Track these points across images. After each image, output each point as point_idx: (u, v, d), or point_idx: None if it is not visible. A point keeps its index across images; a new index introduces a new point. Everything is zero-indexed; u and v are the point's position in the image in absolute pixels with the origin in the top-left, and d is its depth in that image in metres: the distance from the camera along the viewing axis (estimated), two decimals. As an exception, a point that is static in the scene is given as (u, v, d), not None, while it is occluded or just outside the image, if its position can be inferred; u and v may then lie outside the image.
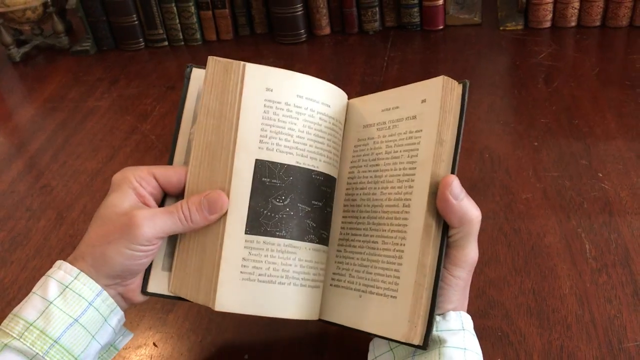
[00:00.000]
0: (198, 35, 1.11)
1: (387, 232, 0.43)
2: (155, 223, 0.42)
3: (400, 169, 0.43)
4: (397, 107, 0.45)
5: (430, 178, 0.41)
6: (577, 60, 0.92)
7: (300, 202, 0.44)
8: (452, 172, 0.41)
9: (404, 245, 0.41)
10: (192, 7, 1.08)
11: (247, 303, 0.42)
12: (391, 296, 0.41)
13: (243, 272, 0.42)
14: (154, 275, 0.46)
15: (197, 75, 0.47)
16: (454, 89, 0.42)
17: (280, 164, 0.43)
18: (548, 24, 1.01)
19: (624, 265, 0.56)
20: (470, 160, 0.72)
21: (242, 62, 0.44)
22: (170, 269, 0.46)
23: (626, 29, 0.98)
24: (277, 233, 0.43)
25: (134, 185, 0.43)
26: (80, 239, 0.43)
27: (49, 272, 0.42)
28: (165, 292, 0.46)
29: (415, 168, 0.42)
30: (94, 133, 0.88)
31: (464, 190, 0.41)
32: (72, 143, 0.86)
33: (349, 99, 0.48)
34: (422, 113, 0.43)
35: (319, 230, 0.45)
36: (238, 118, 0.43)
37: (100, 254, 0.41)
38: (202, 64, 0.47)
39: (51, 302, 0.40)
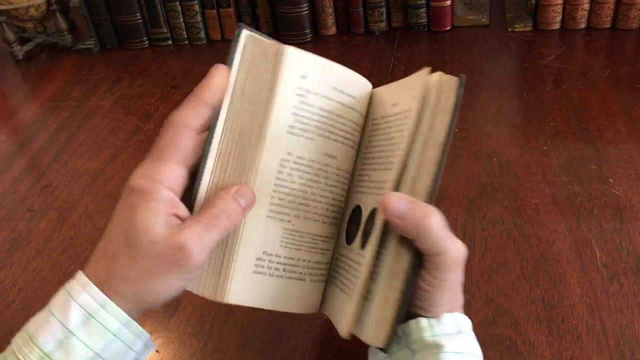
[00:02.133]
0: (202, 34, 1.10)
1: (374, 235, 0.41)
2: (203, 244, 0.37)
3: (387, 170, 0.42)
4: (396, 104, 0.43)
5: (409, 186, 0.39)
6: (587, 63, 0.90)
7: (319, 197, 0.43)
8: (436, 177, 0.39)
9: (384, 249, 0.40)
10: (197, 6, 1.07)
11: (257, 297, 0.42)
12: (366, 298, 0.40)
13: (258, 264, 0.42)
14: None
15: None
16: (448, 84, 0.39)
17: (306, 157, 0.42)
18: (557, 26, 1.00)
19: (636, 274, 0.55)
20: (478, 164, 0.71)
21: (283, 46, 0.41)
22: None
23: (637, 31, 0.97)
24: (295, 224, 0.42)
25: (167, 196, 0.38)
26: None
27: (71, 290, 0.37)
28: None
29: (395, 172, 0.40)
30: (96, 133, 0.87)
31: (407, 204, 0.38)
32: (75, 143, 0.85)
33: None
34: (410, 110, 0.41)
35: (329, 224, 0.44)
36: (272, 106, 0.40)
37: (144, 289, 0.37)
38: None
39: (72, 332, 0.36)
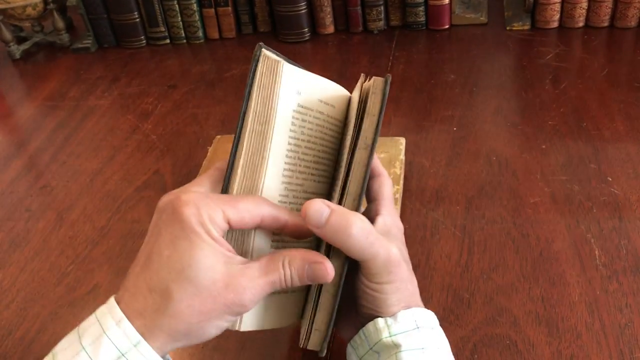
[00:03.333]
0: (200, 33, 1.10)
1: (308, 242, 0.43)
2: (257, 293, 0.36)
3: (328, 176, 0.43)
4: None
5: (338, 187, 0.40)
6: (585, 61, 0.90)
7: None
8: (364, 179, 0.39)
9: (320, 251, 0.41)
10: (195, 5, 1.07)
11: (266, 317, 0.41)
12: (306, 300, 0.41)
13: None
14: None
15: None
16: (375, 86, 0.40)
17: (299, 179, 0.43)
18: (555, 24, 1.00)
19: (635, 273, 0.55)
20: (476, 163, 0.71)
21: (280, 61, 0.40)
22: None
23: (635, 30, 0.97)
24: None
25: (215, 236, 0.36)
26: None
27: (104, 321, 0.35)
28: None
29: (337, 175, 0.41)
30: (94, 132, 0.87)
31: (326, 210, 0.37)
32: (72, 142, 0.85)
33: None
34: (350, 117, 0.43)
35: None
36: (272, 127, 0.39)
37: (197, 329, 0.36)
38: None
39: None
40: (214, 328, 0.36)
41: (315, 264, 0.38)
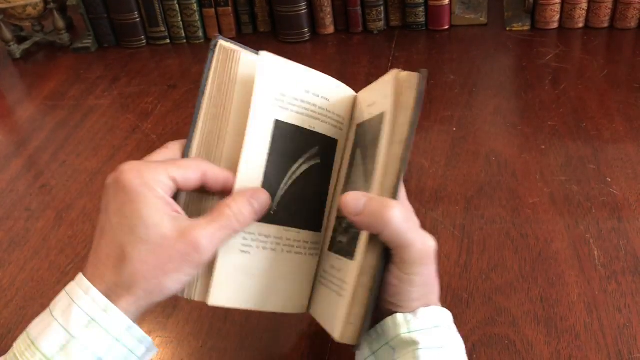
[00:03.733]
0: (200, 33, 1.10)
1: (344, 233, 0.43)
2: (215, 242, 0.38)
3: (363, 172, 0.42)
4: (374, 103, 0.43)
5: (376, 182, 0.40)
6: (585, 62, 0.90)
7: (305, 195, 0.44)
8: (400, 173, 0.39)
9: (355, 245, 0.40)
10: (195, 5, 1.07)
11: (244, 298, 0.42)
12: (338, 294, 0.41)
13: (240, 264, 0.42)
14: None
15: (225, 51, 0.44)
16: (410, 80, 0.40)
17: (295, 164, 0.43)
18: (555, 25, 1.00)
19: (634, 273, 0.55)
20: (476, 163, 0.71)
21: (239, 50, 0.43)
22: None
23: (635, 31, 0.97)
24: (280, 221, 0.42)
25: (160, 195, 0.37)
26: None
27: (72, 292, 0.37)
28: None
29: (374, 169, 0.41)
30: (94, 132, 0.87)
31: (362, 200, 0.38)
32: (72, 142, 0.85)
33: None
34: (386, 111, 0.41)
35: (316, 218, 0.45)
36: (250, 116, 0.41)
37: (157, 286, 0.37)
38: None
39: (74, 337, 0.36)
40: (173, 282, 0.37)
41: (256, 194, 0.40)
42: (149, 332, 0.54)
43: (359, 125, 0.45)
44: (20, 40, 1.14)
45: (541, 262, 0.58)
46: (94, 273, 0.38)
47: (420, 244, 0.39)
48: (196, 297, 0.42)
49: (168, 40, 1.12)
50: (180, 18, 1.09)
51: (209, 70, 0.43)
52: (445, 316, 0.41)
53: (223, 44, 0.43)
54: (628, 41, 0.95)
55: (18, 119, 0.94)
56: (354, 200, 0.38)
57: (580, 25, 0.99)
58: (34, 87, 1.02)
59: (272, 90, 0.42)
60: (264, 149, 0.42)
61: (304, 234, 0.44)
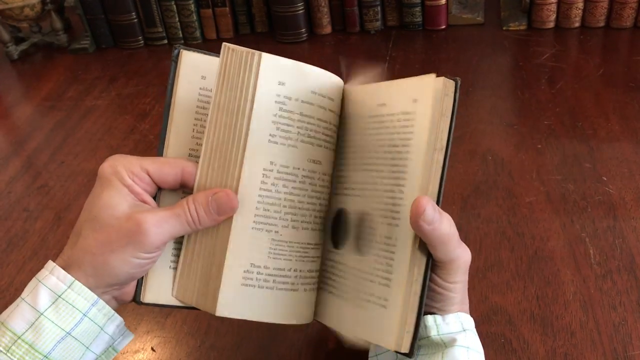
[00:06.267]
0: (198, 34, 1.10)
1: (376, 240, 0.42)
2: (163, 228, 0.39)
3: (389, 176, 0.41)
4: (384, 104, 0.43)
5: (420, 189, 0.39)
6: (581, 62, 0.91)
7: (306, 204, 0.43)
8: (442, 180, 0.39)
9: (394, 254, 0.40)
10: (192, 5, 1.07)
11: (250, 308, 0.41)
12: (381, 305, 0.40)
13: (246, 277, 0.41)
14: (151, 283, 0.43)
15: (189, 60, 0.44)
16: (447, 87, 0.40)
17: (290, 165, 0.42)
18: (551, 24, 1.00)
19: (629, 271, 0.56)
20: (472, 162, 0.72)
21: (257, 52, 0.41)
22: (167, 275, 0.44)
23: (630, 30, 0.97)
24: (283, 234, 0.42)
25: (127, 183, 0.39)
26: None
27: (40, 275, 0.39)
28: (161, 302, 0.43)
29: (405, 176, 0.40)
30: (92, 132, 0.87)
31: (437, 211, 0.38)
32: (70, 142, 0.85)
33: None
34: (414, 113, 0.41)
35: (318, 230, 0.44)
36: (250, 115, 0.40)
37: (103, 263, 0.38)
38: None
39: (42, 314, 0.37)
40: (119, 261, 0.38)
41: (216, 194, 0.40)
42: (147, 332, 0.55)
43: (352, 120, 0.45)
44: (18, 41, 1.14)
45: (537, 260, 0.58)
46: (60, 255, 0.40)
47: (464, 257, 0.41)
48: (201, 305, 0.42)
49: (166, 41, 1.12)
50: (177, 19, 1.09)
51: (173, 80, 0.44)
52: (471, 322, 0.42)
53: (233, 48, 0.42)
54: (624, 40, 0.96)
55: (16, 119, 0.94)
56: (432, 210, 0.37)
57: (577, 24, 0.99)
58: (32, 87, 1.02)
59: (273, 98, 0.41)
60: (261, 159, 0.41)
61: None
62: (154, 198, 0.42)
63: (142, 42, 1.12)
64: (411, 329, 0.39)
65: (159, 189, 0.42)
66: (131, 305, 0.43)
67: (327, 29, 1.08)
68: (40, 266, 0.63)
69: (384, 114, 0.43)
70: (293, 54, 1.05)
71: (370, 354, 0.44)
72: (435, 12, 1.03)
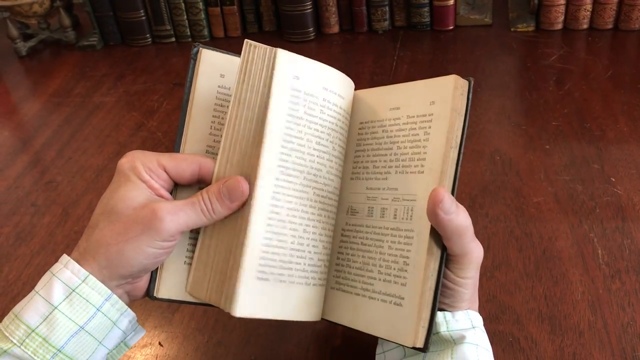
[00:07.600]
0: (206, 32, 1.11)
1: (389, 239, 0.42)
2: (179, 216, 0.39)
3: (404, 172, 0.42)
4: (399, 108, 0.44)
5: (433, 185, 0.40)
6: (589, 63, 0.91)
7: (316, 199, 0.43)
8: (456, 176, 0.40)
9: (410, 252, 0.40)
10: (200, 4, 1.08)
11: (266, 306, 0.41)
12: (395, 303, 0.40)
13: (262, 270, 0.41)
14: (165, 278, 0.43)
15: (208, 59, 0.45)
16: (462, 88, 0.41)
17: (303, 162, 0.42)
18: (560, 26, 1.00)
19: (638, 272, 0.56)
20: (481, 162, 0.72)
21: (273, 48, 0.42)
22: (181, 271, 0.44)
23: (639, 32, 0.97)
24: (297, 229, 0.42)
25: (144, 178, 0.40)
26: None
27: (54, 268, 0.39)
28: (175, 297, 0.43)
29: (422, 172, 0.41)
30: (100, 129, 0.88)
31: (454, 202, 0.38)
32: (78, 139, 0.86)
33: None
34: (431, 115, 0.42)
35: (328, 226, 0.44)
36: (267, 110, 0.41)
37: (117, 253, 0.38)
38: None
39: (56, 307, 0.37)
40: (133, 251, 0.38)
41: (228, 181, 0.40)
42: (154, 327, 0.55)
43: (366, 124, 0.45)
44: (27, 37, 1.14)
45: (545, 260, 0.58)
46: (75, 248, 0.40)
47: (477, 252, 0.41)
48: (215, 302, 0.42)
49: (173, 39, 1.12)
50: (185, 16, 1.09)
51: (192, 77, 0.44)
52: (480, 319, 0.42)
53: (254, 45, 0.43)
54: (632, 42, 0.96)
55: (24, 116, 0.94)
56: (450, 200, 0.38)
57: (585, 26, 0.99)
58: (40, 84, 1.03)
59: (288, 94, 0.42)
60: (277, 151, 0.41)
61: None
62: (171, 193, 0.42)
63: (149, 39, 1.12)
64: (426, 324, 0.39)
65: (176, 185, 0.43)
66: (139, 300, 0.43)
67: (335, 29, 1.08)
68: (47, 261, 0.64)
69: (398, 117, 0.43)
70: (300, 53, 1.05)
71: (377, 351, 0.44)
72: (443, 12, 1.03)
